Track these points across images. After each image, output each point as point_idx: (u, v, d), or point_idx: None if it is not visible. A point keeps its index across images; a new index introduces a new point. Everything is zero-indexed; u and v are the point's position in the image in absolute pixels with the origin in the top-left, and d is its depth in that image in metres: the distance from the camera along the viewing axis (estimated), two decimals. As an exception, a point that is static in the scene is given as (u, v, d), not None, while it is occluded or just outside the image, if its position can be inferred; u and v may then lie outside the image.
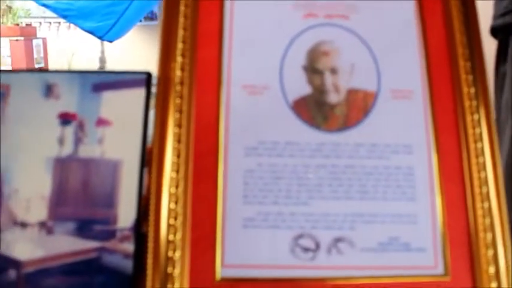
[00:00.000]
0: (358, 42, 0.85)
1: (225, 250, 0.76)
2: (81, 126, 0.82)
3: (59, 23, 7.53)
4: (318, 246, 0.77)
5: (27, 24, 7.01)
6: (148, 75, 0.83)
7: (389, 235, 0.78)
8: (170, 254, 0.75)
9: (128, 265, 0.77)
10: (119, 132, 0.82)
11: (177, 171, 0.77)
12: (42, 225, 0.79)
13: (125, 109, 0.82)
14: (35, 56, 6.52)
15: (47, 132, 0.82)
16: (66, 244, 0.79)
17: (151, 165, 0.78)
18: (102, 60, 7.11)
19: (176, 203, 0.76)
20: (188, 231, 0.76)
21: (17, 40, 6.37)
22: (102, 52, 7.09)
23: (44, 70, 0.94)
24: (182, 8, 0.85)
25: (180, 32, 0.83)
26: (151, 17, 7.17)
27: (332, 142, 0.81)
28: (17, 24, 6.77)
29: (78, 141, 0.82)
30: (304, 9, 0.87)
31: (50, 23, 7.61)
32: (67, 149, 0.82)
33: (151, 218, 0.76)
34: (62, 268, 0.78)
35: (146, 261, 0.75)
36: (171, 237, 0.75)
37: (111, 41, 5.96)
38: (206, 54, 0.83)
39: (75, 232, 0.79)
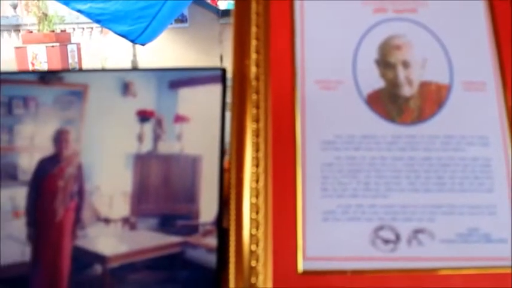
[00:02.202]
0: (428, 35, 0.83)
1: (306, 243, 0.75)
2: (159, 123, 0.81)
3: (92, 28, 7.57)
4: (398, 237, 0.75)
5: (61, 31, 7.05)
6: (224, 71, 0.82)
7: (468, 226, 0.76)
8: (253, 247, 0.73)
9: (211, 259, 0.76)
10: (196, 128, 0.80)
11: (257, 166, 0.76)
12: (125, 221, 0.78)
13: (202, 105, 0.81)
14: (70, 61, 6.57)
15: (125, 129, 0.81)
16: (150, 239, 0.78)
17: (230, 160, 0.76)
18: (134, 63, 7.14)
19: (257, 197, 0.74)
20: (270, 225, 0.74)
21: (52, 46, 6.42)
22: (134, 55, 7.12)
23: (120, 68, 0.93)
24: (254, 5, 0.83)
25: (253, 29, 0.82)
26: (181, 19, 7.18)
27: (407, 135, 0.79)
28: (53, 31, 6.82)
29: (157, 137, 0.81)
30: (374, 4, 0.85)
31: (83, 28, 7.65)
32: (146, 146, 0.81)
33: (233, 212, 0.74)
34: (146, 263, 0.77)
35: (229, 256, 0.73)
36: (253, 231, 0.73)
37: (143, 44, 5.96)
38: (279, 51, 0.81)
39: (158, 227, 0.78)
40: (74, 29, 7.54)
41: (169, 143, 0.80)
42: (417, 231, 0.75)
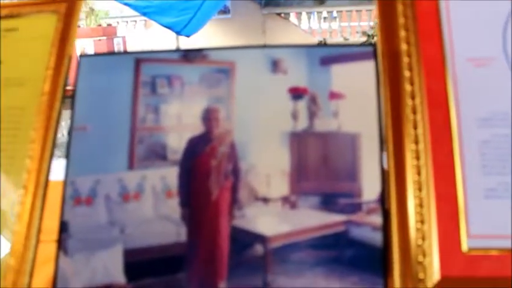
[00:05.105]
0: None
1: (469, 221, 0.70)
2: (313, 100, 0.77)
3: (135, 21, 7.57)
4: (563, 217, 0.71)
5: (108, 25, 7.07)
6: (375, 47, 0.77)
7: None
8: (419, 225, 0.69)
9: (376, 238, 0.72)
10: (353, 105, 0.76)
11: (417, 143, 0.71)
12: (285, 200, 0.74)
13: (356, 82, 0.77)
14: (116, 53, 6.57)
15: (278, 107, 0.77)
16: (312, 218, 0.74)
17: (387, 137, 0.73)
18: (177, 55, 7.12)
19: (419, 174, 0.70)
20: (433, 202, 0.70)
21: (100, 40, 6.44)
22: (178, 47, 7.08)
23: (268, 45, 0.89)
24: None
25: (400, 7, 0.77)
26: (224, 10, 7.12)
27: None
28: (99, 25, 6.84)
29: (312, 115, 0.76)
30: (521, -21, 0.80)
31: (127, 22, 7.65)
32: (302, 124, 0.76)
33: (393, 190, 0.70)
34: (309, 242, 0.73)
35: (390, 234, 0.69)
36: (417, 209, 0.69)
37: (188, 36, 5.94)
38: (427, 29, 0.77)
39: (320, 206, 0.74)
40: (118, 22, 7.55)
41: (325, 120, 0.76)
42: None
